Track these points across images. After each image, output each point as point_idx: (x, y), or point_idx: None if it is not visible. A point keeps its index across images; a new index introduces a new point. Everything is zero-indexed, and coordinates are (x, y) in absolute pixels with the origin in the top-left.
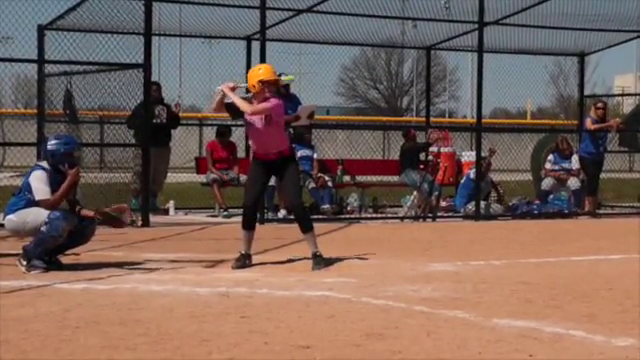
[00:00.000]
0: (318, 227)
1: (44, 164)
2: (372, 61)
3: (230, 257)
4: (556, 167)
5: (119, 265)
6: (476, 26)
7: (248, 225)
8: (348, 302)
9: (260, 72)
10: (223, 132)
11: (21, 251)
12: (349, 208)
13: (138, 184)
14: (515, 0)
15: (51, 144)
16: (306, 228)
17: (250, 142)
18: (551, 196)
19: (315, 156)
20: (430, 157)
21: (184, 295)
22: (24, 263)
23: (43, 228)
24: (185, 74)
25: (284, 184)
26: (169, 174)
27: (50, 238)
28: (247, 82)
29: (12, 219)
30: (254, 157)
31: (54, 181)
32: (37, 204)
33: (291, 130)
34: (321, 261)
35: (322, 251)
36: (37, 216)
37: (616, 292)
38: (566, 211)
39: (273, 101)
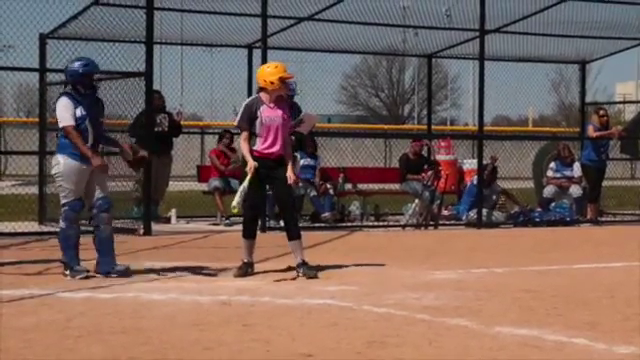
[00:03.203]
0: (319, 235)
1: (68, 89)
2: (373, 69)
3: (232, 265)
4: (558, 175)
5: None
6: (477, 34)
7: (249, 233)
8: (350, 310)
9: (277, 69)
10: (224, 137)
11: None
12: (351, 216)
13: (140, 192)
14: (516, 8)
15: (71, 64)
16: (296, 234)
17: (258, 139)
18: (553, 204)
19: (318, 165)
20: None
21: (186, 304)
22: (67, 272)
23: (61, 225)
24: (186, 82)
25: (278, 186)
26: (171, 182)
27: (68, 231)
28: (258, 80)
29: (58, 160)
30: (254, 157)
31: (80, 103)
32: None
33: (292, 137)
34: (311, 268)
35: (315, 261)
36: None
37: (618, 300)
38: (568, 219)
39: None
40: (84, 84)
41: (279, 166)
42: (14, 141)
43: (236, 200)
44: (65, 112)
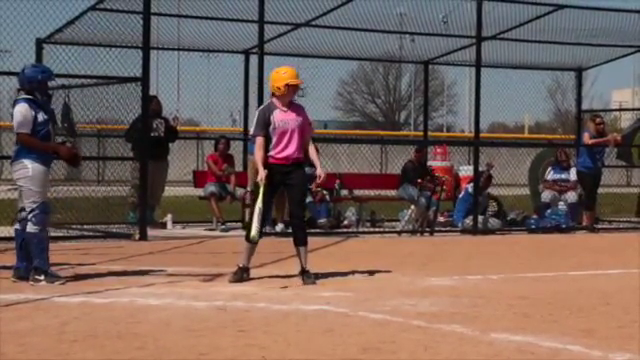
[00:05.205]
0: (315, 241)
1: (25, 95)
2: (370, 75)
3: (228, 271)
4: (555, 177)
5: (117, 278)
6: (474, 41)
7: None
8: (345, 316)
9: (285, 75)
10: (220, 142)
11: (32, 270)
12: (346, 222)
13: (136, 197)
14: (513, 15)
15: (29, 70)
16: (302, 241)
17: (272, 144)
18: (549, 210)
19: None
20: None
21: (181, 309)
22: (41, 278)
23: (32, 229)
24: (183, 88)
25: (292, 191)
26: (167, 188)
27: (41, 233)
28: (270, 84)
29: (25, 164)
30: (269, 164)
31: (41, 108)
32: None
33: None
34: (311, 276)
35: (311, 268)
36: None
37: (614, 307)
38: (564, 226)
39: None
40: (41, 91)
41: (295, 170)
42: (10, 146)
43: (255, 229)
44: (27, 118)
